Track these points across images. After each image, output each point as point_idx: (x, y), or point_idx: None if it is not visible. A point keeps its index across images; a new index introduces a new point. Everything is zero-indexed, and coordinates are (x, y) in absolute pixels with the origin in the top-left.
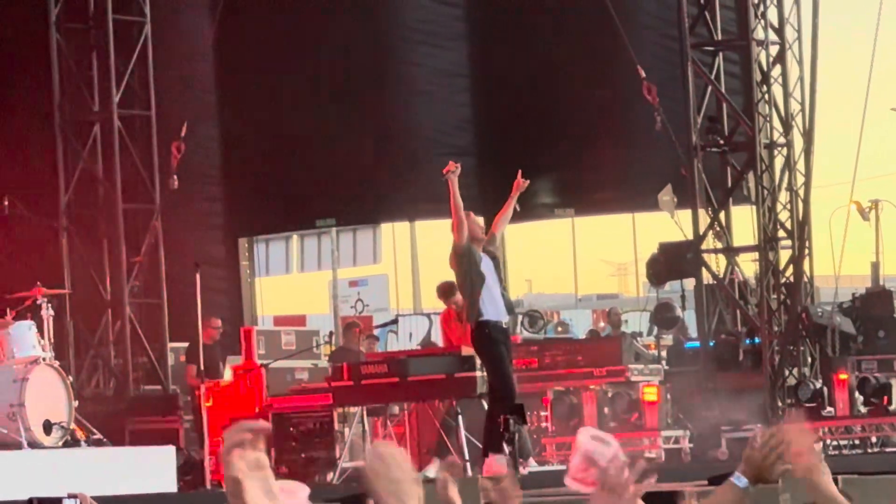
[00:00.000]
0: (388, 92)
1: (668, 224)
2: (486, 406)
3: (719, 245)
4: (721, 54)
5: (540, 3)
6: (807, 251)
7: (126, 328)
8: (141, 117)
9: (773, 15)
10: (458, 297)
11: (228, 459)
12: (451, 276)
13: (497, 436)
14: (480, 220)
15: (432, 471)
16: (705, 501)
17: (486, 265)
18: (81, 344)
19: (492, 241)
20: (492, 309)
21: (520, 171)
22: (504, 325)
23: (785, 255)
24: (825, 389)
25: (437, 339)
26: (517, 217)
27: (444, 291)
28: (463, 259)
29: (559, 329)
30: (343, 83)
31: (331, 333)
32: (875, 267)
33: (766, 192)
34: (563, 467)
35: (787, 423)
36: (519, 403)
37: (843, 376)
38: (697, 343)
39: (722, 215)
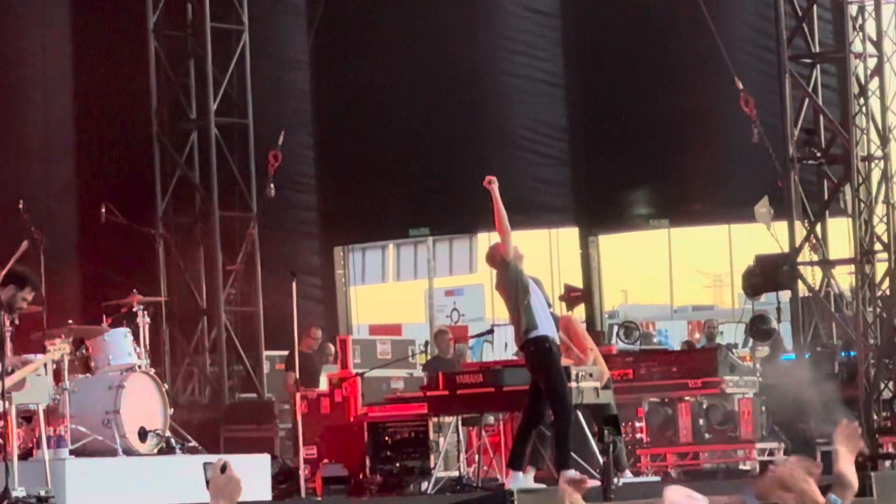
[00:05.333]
0: (483, 101)
1: (764, 236)
2: (581, 416)
3: (815, 257)
4: (819, 66)
5: (635, 14)
6: None
7: (222, 336)
8: (238, 125)
9: (871, 27)
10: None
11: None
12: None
13: (567, 450)
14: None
15: (527, 479)
16: None
17: (534, 288)
18: (177, 351)
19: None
20: (547, 325)
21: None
22: (558, 343)
23: (881, 268)
24: None
25: None
26: (612, 228)
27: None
28: (511, 276)
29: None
30: (438, 92)
31: (426, 343)
32: None
33: (862, 204)
34: (657, 479)
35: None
36: (614, 414)
37: None
38: (793, 355)
39: (818, 228)
